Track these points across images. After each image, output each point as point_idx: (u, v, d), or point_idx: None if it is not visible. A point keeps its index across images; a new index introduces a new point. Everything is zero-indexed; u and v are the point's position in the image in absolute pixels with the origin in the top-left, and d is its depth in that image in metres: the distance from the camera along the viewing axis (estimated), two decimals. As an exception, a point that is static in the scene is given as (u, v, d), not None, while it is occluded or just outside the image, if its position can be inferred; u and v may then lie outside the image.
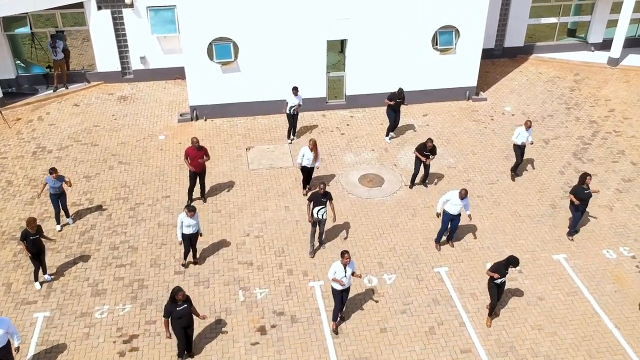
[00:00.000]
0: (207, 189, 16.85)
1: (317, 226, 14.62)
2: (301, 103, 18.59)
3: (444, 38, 20.42)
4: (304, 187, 16.88)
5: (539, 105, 21.60)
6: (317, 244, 14.90)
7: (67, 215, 15.66)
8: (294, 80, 19.54)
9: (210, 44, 19.14)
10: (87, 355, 12.20)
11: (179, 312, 11.18)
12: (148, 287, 13.89)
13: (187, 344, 11.85)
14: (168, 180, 17.46)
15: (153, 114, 20.84)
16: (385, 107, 19.22)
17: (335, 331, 12.72)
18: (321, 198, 14.26)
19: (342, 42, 20.74)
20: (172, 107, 21.27)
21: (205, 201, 16.52)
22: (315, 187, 16.68)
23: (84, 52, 23.70)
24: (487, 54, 23.70)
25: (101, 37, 21.67)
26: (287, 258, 14.71)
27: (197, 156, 15.73)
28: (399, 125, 19.58)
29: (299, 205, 16.47)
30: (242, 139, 19.44)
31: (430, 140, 16.41)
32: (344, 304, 12.74)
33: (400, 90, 18.54)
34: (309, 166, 16.39)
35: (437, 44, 20.49)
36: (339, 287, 12.37)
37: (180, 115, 20.53)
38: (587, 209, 15.39)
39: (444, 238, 15.06)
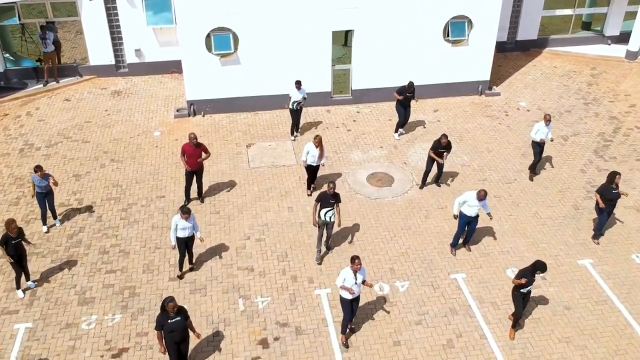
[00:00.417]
0: (205, 188, 15.75)
1: (324, 229, 13.52)
2: (305, 97, 17.48)
3: (456, 29, 19.29)
4: (309, 187, 15.78)
5: (555, 100, 20.49)
6: (323, 248, 13.80)
7: (54, 217, 14.57)
8: (297, 73, 18.44)
9: (208, 34, 18.03)
10: (71, 371, 11.12)
11: (171, 325, 10.06)
12: (140, 295, 12.78)
13: (180, 361, 10.72)
14: (163, 179, 16.35)
15: (148, 110, 19.74)
16: (395, 102, 18.11)
17: (345, 344, 11.60)
18: (330, 199, 13.16)
19: (347, 34, 19.64)
20: (169, 102, 20.17)
21: (202, 202, 15.41)
22: (320, 187, 15.61)
23: (76, 45, 22.60)
24: (499, 47, 22.55)
25: (94, 28, 20.57)
26: (291, 263, 13.60)
27: (194, 154, 14.64)
28: (409, 121, 18.47)
29: (303, 206, 15.36)
30: (243, 136, 18.34)
31: (444, 136, 15.30)
32: (354, 314, 11.63)
33: (411, 83, 17.43)
34: (314, 164, 15.29)
35: (448, 35, 19.38)
36: (348, 296, 11.27)
37: (177, 110, 19.44)
38: (613, 211, 14.30)
39: (459, 241, 13.94)
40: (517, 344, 11.77)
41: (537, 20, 23.37)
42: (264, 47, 18.51)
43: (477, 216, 13.51)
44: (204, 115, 19.27)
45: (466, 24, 19.30)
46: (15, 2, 19.63)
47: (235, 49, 18.38)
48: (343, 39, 20.55)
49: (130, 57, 21.34)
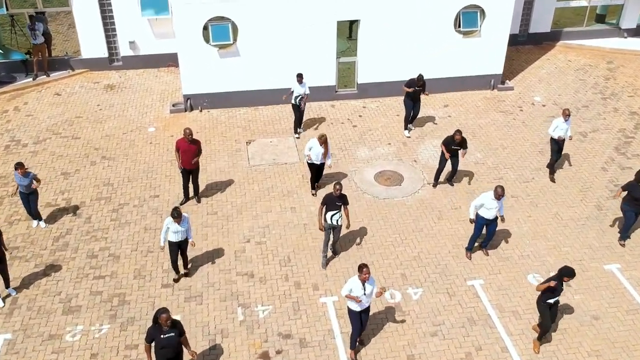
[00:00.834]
0: (202, 188, 14.72)
1: (331, 233, 12.49)
2: (307, 92, 16.44)
3: (468, 19, 18.25)
4: (313, 187, 14.75)
5: (571, 95, 19.45)
6: (330, 253, 12.79)
7: (35, 218, 13.52)
8: (300, 65, 17.43)
9: (205, 24, 16.99)
10: (53, 388, 10.10)
11: (164, 340, 9.01)
12: (130, 303, 11.75)
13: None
14: (157, 178, 15.33)
15: (143, 104, 18.71)
16: (403, 96, 17.09)
17: (354, 360, 10.58)
18: (336, 201, 12.12)
19: (352, 26, 18.59)
20: (164, 96, 19.14)
21: (199, 201, 14.39)
22: (325, 187, 14.59)
23: (69, 38, 21.60)
24: (510, 40, 21.41)
25: (86, 19, 19.54)
26: (294, 268, 12.56)
27: (189, 150, 13.61)
28: (419, 116, 17.43)
29: (306, 206, 14.33)
30: (242, 132, 17.31)
31: (458, 132, 14.26)
32: (363, 327, 10.57)
33: (421, 76, 16.39)
34: (317, 162, 14.27)
35: (460, 26, 18.34)
36: (356, 307, 10.23)
37: (173, 105, 18.41)
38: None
39: (476, 244, 12.92)
40: (543, 357, 10.73)
41: (550, 12, 22.35)
42: (265, 38, 17.47)
43: (496, 218, 12.48)
44: (201, 111, 18.25)
45: (478, 14, 18.27)
46: (2, -9, 18.63)
47: (235, 39, 17.35)
48: (348, 32, 19.48)
49: (124, 50, 20.32)
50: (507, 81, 19.96)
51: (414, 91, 16.59)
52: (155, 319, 9.07)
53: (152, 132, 17.26)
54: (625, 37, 23.02)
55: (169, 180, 15.17)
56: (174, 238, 11.54)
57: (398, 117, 17.93)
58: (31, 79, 19.71)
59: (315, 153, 14.03)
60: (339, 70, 18.64)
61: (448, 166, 14.79)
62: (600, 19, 23.89)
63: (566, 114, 14.74)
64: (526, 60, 21.73)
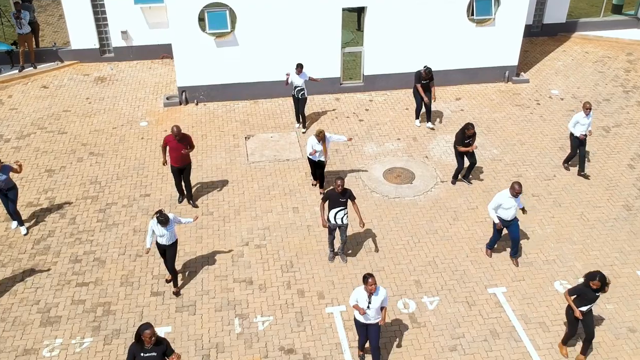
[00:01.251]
0: (196, 186, 13.61)
1: (336, 232, 11.38)
2: (313, 77, 15.36)
3: (482, 6, 17.10)
4: (314, 178, 13.65)
5: (591, 88, 18.29)
6: (337, 247, 11.71)
7: (13, 218, 12.38)
8: (302, 56, 16.32)
9: (201, 11, 15.85)
10: (25, 411, 8.96)
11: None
12: (115, 313, 10.61)
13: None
14: (149, 175, 14.19)
15: (135, 97, 17.57)
16: (412, 88, 15.99)
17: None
18: (339, 197, 10.99)
19: (361, 16, 17.43)
20: (158, 89, 18.01)
21: (191, 203, 13.22)
22: (330, 186, 13.43)
23: (59, 29, 20.50)
24: (524, 32, 20.27)
25: (75, 7, 18.40)
26: (297, 274, 11.42)
27: (177, 148, 12.47)
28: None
29: (310, 205, 13.20)
30: (241, 126, 16.16)
31: (471, 125, 13.11)
32: (371, 343, 9.37)
33: (427, 69, 15.27)
34: (315, 159, 13.18)
35: (473, 14, 17.19)
36: (361, 318, 9.10)
37: (167, 98, 17.26)
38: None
39: (495, 246, 11.79)
40: (576, 375, 9.61)
41: (565, 2, 21.19)
42: (265, 26, 16.31)
43: (516, 219, 11.34)
44: (197, 104, 17.10)
45: (492, 0, 17.12)
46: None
47: (233, 28, 16.20)
48: (356, 22, 18.22)
49: (116, 41, 19.19)
50: (522, 73, 18.80)
51: (423, 85, 15.47)
52: (138, 335, 7.93)
53: (145, 126, 16.12)
54: (645, 28, 21.88)
55: (161, 178, 14.04)
56: (161, 241, 10.42)
57: (407, 111, 16.79)
58: (17, 71, 18.57)
59: (318, 151, 12.92)
60: (344, 61, 17.49)
61: (466, 162, 13.68)
62: (617, 9, 22.77)
63: (587, 108, 13.60)
64: (541, 52, 20.58)
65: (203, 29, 16.11)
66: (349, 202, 11.14)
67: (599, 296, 9.29)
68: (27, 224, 12.55)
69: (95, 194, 13.58)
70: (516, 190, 10.93)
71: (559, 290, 11.11)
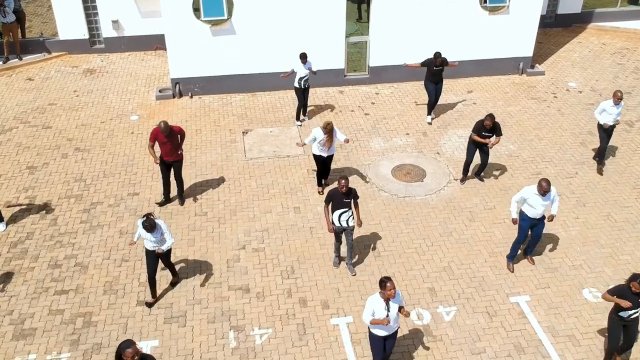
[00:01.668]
0: (189, 184, 12.56)
1: (342, 236, 10.33)
2: (314, 71, 14.31)
3: (495, -7, 16.08)
4: (319, 183, 12.57)
5: (610, 80, 17.23)
6: (343, 252, 10.67)
7: (-4, 219, 11.39)
8: (304, 46, 15.23)
9: (196, -3, 14.86)
10: None
11: (126, 382, 6.82)
12: (97, 325, 9.55)
13: None
14: (138, 172, 13.14)
15: (126, 90, 16.52)
16: (423, 80, 14.94)
17: (375, 399, 8.38)
18: (344, 198, 9.95)
19: (359, 6, 16.35)
20: (150, 81, 16.95)
21: (182, 203, 12.17)
22: (333, 183, 12.37)
23: (48, 20, 19.49)
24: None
25: (63, -5, 17.41)
26: (299, 281, 10.36)
27: (167, 143, 11.41)
28: (440, 102, 15.23)
29: (312, 205, 12.13)
30: (238, 120, 15.11)
31: (491, 116, 12.05)
32: (387, 356, 8.40)
33: (438, 54, 14.23)
34: (324, 155, 12.11)
35: (485, 1, 16.14)
36: (381, 332, 8.05)
37: (160, 91, 16.21)
38: None
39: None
40: (613, 396, 8.55)
41: (581, -9, 20.21)
42: (264, 13, 15.25)
43: (544, 217, 10.29)
44: (191, 97, 16.05)
45: (507, -13, 16.10)
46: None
47: (230, 15, 15.15)
48: (357, 12, 17.13)
49: (106, 31, 18.13)
50: (537, 65, 17.74)
51: (434, 73, 14.42)
52: (119, 354, 6.87)
53: (135, 120, 15.07)
54: (664, 19, 20.81)
55: (151, 175, 12.98)
56: (149, 246, 9.35)
57: (416, 105, 15.73)
58: (1, 62, 17.52)
59: (321, 144, 11.88)
60: (349, 51, 16.43)
61: (477, 159, 12.61)
62: (634, 0, 21.73)
63: (617, 97, 12.54)
64: (555, 43, 19.51)
65: (198, 15, 15.05)
66: (353, 203, 10.11)
67: (641, 302, 8.25)
68: (3, 226, 11.50)
69: (80, 192, 12.52)
70: (544, 188, 9.87)
71: (589, 300, 10.05)
